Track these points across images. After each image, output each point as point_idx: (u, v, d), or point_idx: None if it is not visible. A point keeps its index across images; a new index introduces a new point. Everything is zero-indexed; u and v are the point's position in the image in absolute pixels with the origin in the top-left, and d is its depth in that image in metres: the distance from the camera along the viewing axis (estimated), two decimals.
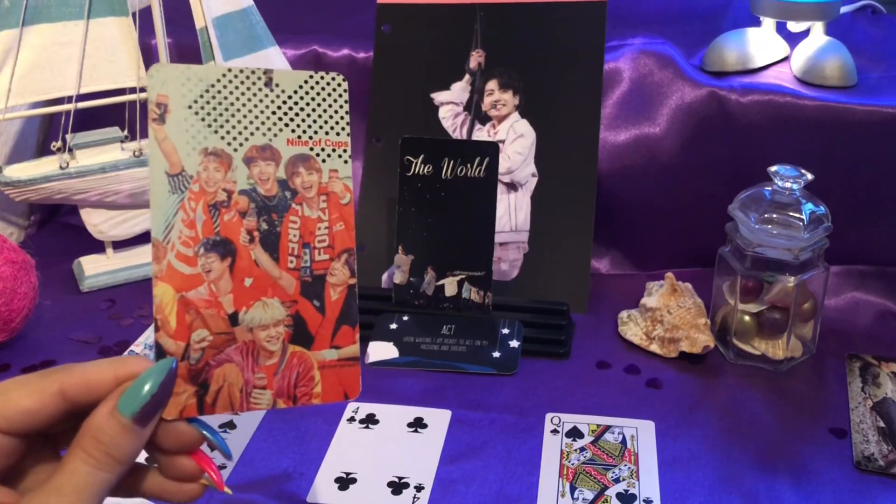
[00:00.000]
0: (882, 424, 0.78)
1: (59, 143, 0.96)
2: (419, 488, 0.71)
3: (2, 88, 0.92)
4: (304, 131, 0.42)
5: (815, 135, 0.92)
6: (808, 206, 0.82)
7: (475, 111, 1.00)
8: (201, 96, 0.39)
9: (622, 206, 1.01)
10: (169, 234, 0.39)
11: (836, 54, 0.95)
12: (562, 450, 0.75)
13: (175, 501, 0.43)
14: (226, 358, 0.40)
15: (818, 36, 0.99)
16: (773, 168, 0.83)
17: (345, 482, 0.72)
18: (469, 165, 0.90)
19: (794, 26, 1.00)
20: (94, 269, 1.01)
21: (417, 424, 0.78)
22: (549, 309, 0.92)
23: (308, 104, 0.42)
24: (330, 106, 0.42)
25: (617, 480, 0.72)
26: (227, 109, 0.39)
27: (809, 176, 0.82)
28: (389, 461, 0.74)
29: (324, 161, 0.42)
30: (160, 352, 0.40)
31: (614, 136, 0.99)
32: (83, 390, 0.42)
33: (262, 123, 0.41)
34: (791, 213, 0.82)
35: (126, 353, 0.88)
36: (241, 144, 0.39)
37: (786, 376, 0.85)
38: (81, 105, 0.96)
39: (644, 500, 0.70)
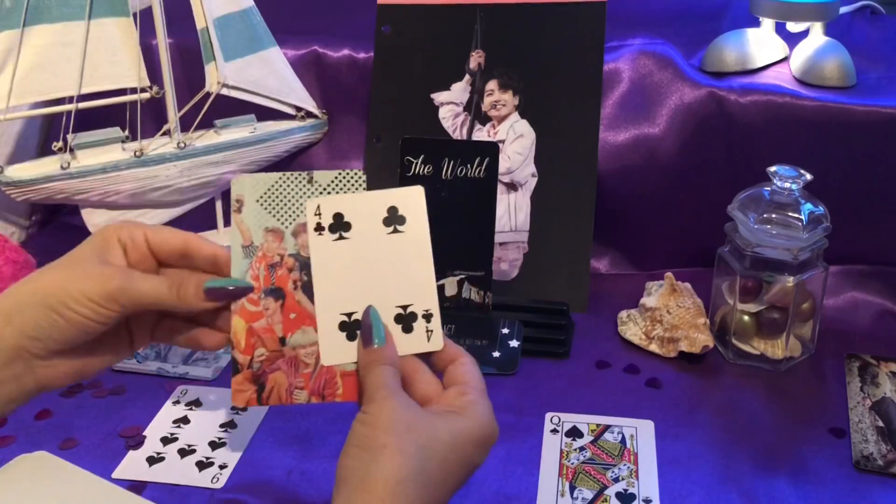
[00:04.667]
0: (881, 424, 0.78)
1: (61, 144, 0.96)
2: None
3: (3, 89, 0.92)
4: None
5: (815, 135, 0.93)
6: (807, 207, 0.82)
7: (475, 111, 1.00)
8: (265, 193, 0.57)
9: (622, 206, 1.01)
10: None
11: (835, 55, 0.95)
12: (561, 449, 0.75)
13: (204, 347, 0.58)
14: (277, 367, 0.56)
15: (817, 36, 0.99)
16: (773, 168, 0.83)
17: None
18: (469, 165, 0.90)
19: (793, 27, 1.01)
20: None
21: None
22: (548, 309, 0.92)
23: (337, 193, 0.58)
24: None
25: (616, 480, 0.72)
26: (281, 200, 0.57)
27: (808, 176, 0.82)
28: None
29: None
30: (235, 365, 0.56)
31: (614, 136, 0.99)
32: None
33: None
34: (790, 214, 0.82)
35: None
36: (290, 223, 0.56)
37: (785, 376, 0.85)
38: (82, 105, 0.96)
39: (643, 500, 0.70)
